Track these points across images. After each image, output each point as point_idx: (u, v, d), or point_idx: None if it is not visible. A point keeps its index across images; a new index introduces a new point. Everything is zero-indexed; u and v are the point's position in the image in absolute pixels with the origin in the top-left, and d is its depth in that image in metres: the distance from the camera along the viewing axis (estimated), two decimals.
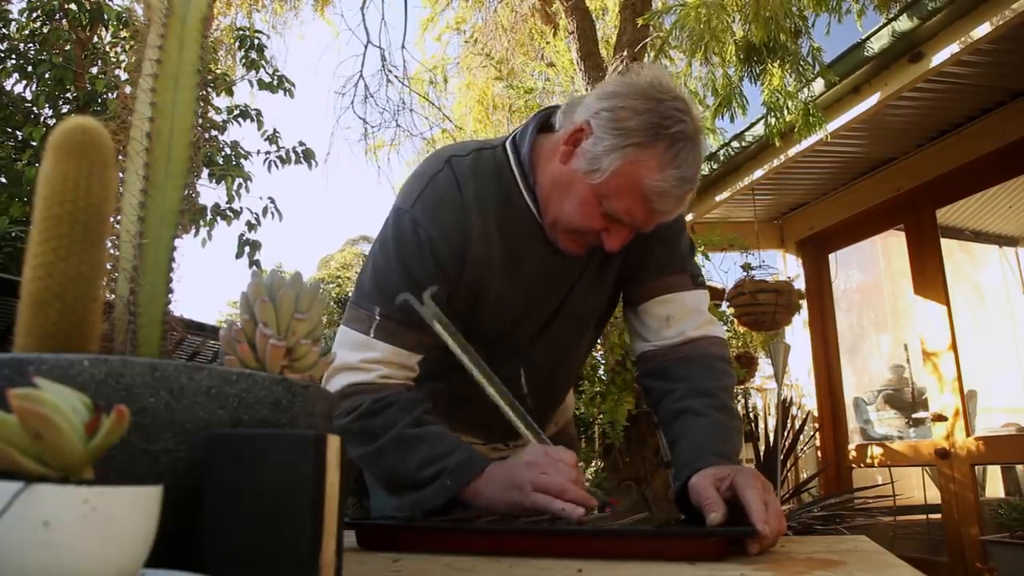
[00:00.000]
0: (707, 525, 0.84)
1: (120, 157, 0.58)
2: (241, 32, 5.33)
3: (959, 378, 3.93)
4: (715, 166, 4.71)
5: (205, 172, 4.70)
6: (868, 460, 4.46)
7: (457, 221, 1.06)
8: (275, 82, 5.31)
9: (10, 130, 4.21)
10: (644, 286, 1.18)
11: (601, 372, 3.35)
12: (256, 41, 5.24)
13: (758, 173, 4.46)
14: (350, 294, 1.16)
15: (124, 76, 4.56)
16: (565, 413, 1.42)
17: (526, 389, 1.20)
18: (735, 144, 4.51)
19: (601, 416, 3.04)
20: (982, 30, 3.04)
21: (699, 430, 1.03)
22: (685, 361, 1.13)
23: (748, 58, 3.37)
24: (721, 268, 7.53)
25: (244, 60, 5.25)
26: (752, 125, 4.26)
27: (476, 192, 1.07)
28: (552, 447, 0.96)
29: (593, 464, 4.03)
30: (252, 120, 5.24)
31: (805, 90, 3.46)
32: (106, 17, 4.33)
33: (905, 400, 4.66)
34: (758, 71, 3.42)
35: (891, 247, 5.15)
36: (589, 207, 1.01)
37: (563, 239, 1.08)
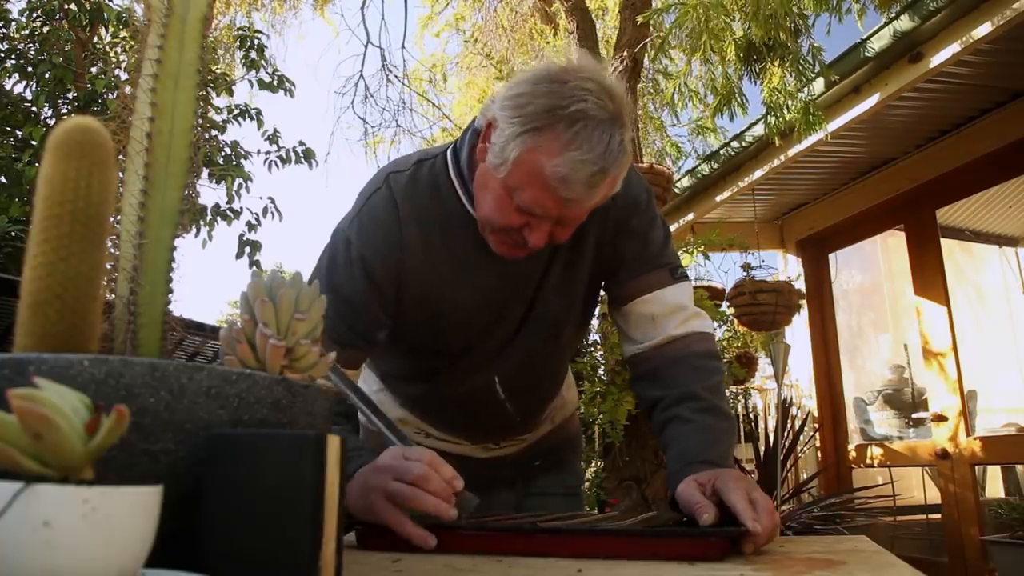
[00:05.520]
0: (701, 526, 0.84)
1: (120, 157, 0.58)
2: (241, 32, 5.33)
3: (959, 378, 3.93)
4: (715, 166, 4.71)
5: (205, 172, 4.70)
6: (868, 460, 4.47)
7: (391, 239, 1.05)
8: (275, 82, 5.30)
9: (10, 130, 4.20)
10: (624, 286, 1.15)
11: (601, 372, 3.35)
12: (256, 41, 5.24)
13: (758, 173, 4.46)
14: None
15: (124, 76, 4.55)
16: (563, 410, 1.41)
17: (503, 395, 1.19)
18: (735, 144, 4.52)
19: (601, 416, 3.04)
20: (982, 30, 3.04)
21: (684, 437, 1.02)
22: (671, 363, 1.11)
23: (748, 57, 3.37)
24: (721, 268, 7.54)
25: (244, 60, 5.24)
26: (752, 125, 4.26)
27: (414, 207, 1.06)
28: (411, 448, 0.87)
29: (593, 464, 4.04)
30: (252, 120, 5.24)
31: (805, 90, 3.46)
32: (106, 17, 4.33)
33: (905, 400, 4.66)
34: (758, 70, 3.42)
35: (891, 247, 5.16)
36: (503, 203, 0.97)
37: (493, 241, 1.03)
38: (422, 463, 0.82)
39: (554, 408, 1.37)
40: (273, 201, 5.23)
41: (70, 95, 4.30)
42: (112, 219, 0.55)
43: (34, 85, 4.28)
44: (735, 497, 0.83)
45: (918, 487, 4.52)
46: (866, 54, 3.46)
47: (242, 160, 5.11)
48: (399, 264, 1.06)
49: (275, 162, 5.28)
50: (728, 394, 4.51)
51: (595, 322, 3.34)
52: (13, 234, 3.27)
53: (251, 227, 5.11)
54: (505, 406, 1.21)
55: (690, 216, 5.15)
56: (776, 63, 3.32)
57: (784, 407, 4.10)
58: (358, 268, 1.04)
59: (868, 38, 3.46)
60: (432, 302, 1.09)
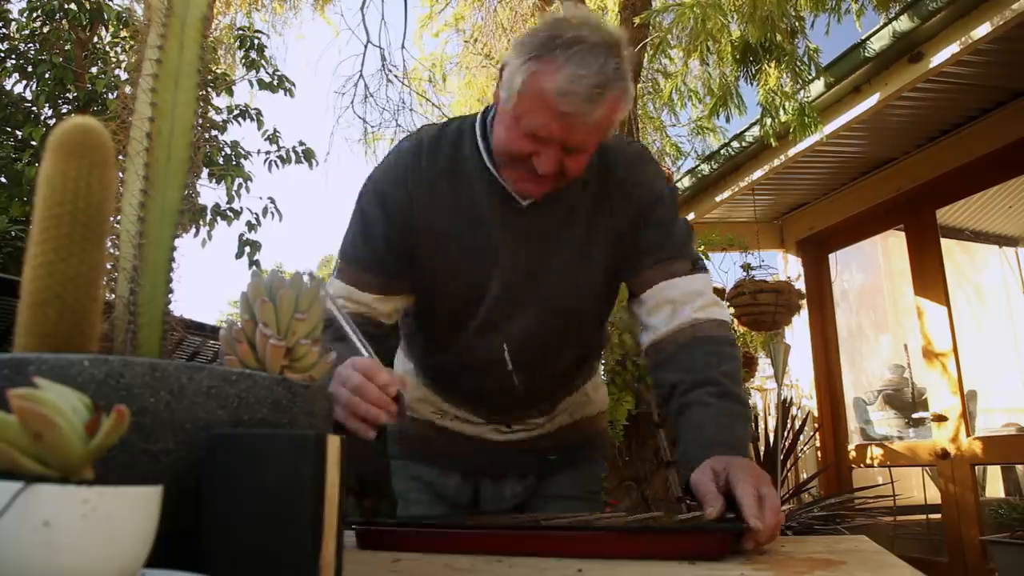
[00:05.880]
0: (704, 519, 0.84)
1: (120, 157, 0.58)
2: (241, 32, 5.33)
3: (959, 378, 3.93)
4: (715, 166, 4.72)
5: (205, 172, 4.69)
6: (868, 460, 4.47)
7: (409, 177, 1.15)
8: (275, 82, 5.30)
9: (10, 130, 4.20)
10: (644, 275, 1.18)
11: (601, 372, 3.35)
12: (256, 41, 5.23)
13: (758, 173, 4.46)
14: None
15: (124, 76, 4.55)
16: (585, 408, 1.41)
17: (510, 366, 1.22)
18: (735, 144, 4.52)
19: None
20: (982, 30, 3.04)
21: (701, 423, 1.03)
22: (689, 347, 1.12)
23: (744, 58, 3.37)
24: (721, 268, 7.51)
25: (244, 60, 5.24)
26: (752, 125, 4.27)
27: (436, 152, 1.17)
28: (362, 359, 0.91)
29: None
30: (252, 120, 5.23)
31: (802, 91, 3.47)
32: (106, 17, 4.33)
33: (905, 400, 4.66)
34: (754, 71, 3.42)
35: (891, 247, 5.16)
36: (512, 131, 1.06)
37: (511, 177, 1.11)
38: (360, 375, 0.88)
39: (573, 403, 1.37)
40: (273, 201, 5.23)
41: (70, 95, 4.30)
42: (112, 219, 0.55)
43: (34, 85, 4.27)
44: (743, 491, 0.84)
45: (918, 487, 4.52)
46: (866, 54, 3.46)
47: (242, 160, 5.11)
48: (416, 200, 1.15)
49: (275, 162, 5.28)
50: None
51: None
52: (13, 234, 3.27)
53: (251, 227, 5.11)
54: (512, 378, 1.23)
55: (690, 216, 5.15)
56: (772, 65, 3.32)
57: (784, 407, 4.10)
58: (380, 201, 1.16)
59: (868, 38, 3.46)
60: (443, 241, 1.16)
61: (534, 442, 1.35)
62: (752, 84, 3.47)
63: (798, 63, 3.34)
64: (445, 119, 1.27)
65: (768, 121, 3.43)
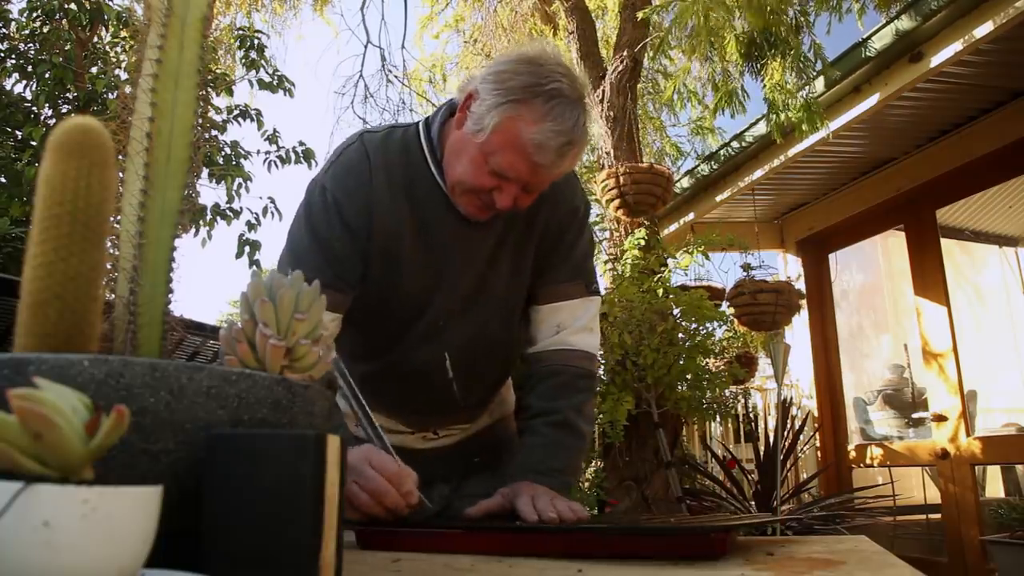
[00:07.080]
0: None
1: (120, 157, 0.58)
2: (241, 32, 5.33)
3: (959, 378, 3.93)
4: (715, 166, 4.71)
5: (205, 172, 4.69)
6: (868, 460, 4.46)
7: (363, 186, 1.13)
8: (275, 82, 5.30)
9: (10, 130, 4.19)
10: (543, 290, 1.26)
11: (601, 372, 3.35)
12: (256, 41, 5.24)
13: (758, 173, 4.46)
14: None
15: (124, 76, 4.55)
16: (502, 407, 1.44)
17: (451, 374, 1.23)
18: (735, 144, 4.52)
19: (601, 416, 3.04)
20: (983, 30, 3.04)
21: (529, 448, 1.16)
22: (549, 377, 1.22)
23: (749, 53, 3.37)
24: (721, 268, 7.54)
25: (244, 60, 5.24)
26: (752, 124, 4.27)
27: (384, 163, 1.14)
28: (377, 454, 0.93)
29: (593, 464, 4.03)
30: (252, 120, 5.23)
31: (806, 88, 3.47)
32: (106, 17, 4.32)
33: (905, 400, 4.66)
34: (759, 66, 3.42)
35: (891, 247, 5.16)
36: (477, 166, 1.07)
37: (463, 202, 1.13)
38: (381, 478, 0.89)
39: (494, 403, 1.40)
40: (273, 201, 5.22)
41: (70, 95, 4.29)
42: (112, 219, 0.55)
43: (34, 85, 4.27)
44: (519, 501, 1.00)
45: (918, 487, 4.52)
46: (867, 54, 3.46)
47: (242, 160, 5.11)
48: (370, 210, 1.13)
49: (275, 162, 5.28)
50: (728, 394, 4.51)
51: None
52: (13, 234, 3.27)
53: (251, 227, 5.10)
54: (452, 386, 1.25)
55: (690, 216, 5.15)
56: (777, 59, 3.32)
57: (784, 407, 4.09)
58: (334, 212, 1.12)
59: (869, 37, 3.46)
60: (393, 254, 1.15)
61: (460, 446, 1.37)
62: (757, 79, 3.47)
63: (802, 60, 3.34)
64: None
65: (773, 117, 3.43)
